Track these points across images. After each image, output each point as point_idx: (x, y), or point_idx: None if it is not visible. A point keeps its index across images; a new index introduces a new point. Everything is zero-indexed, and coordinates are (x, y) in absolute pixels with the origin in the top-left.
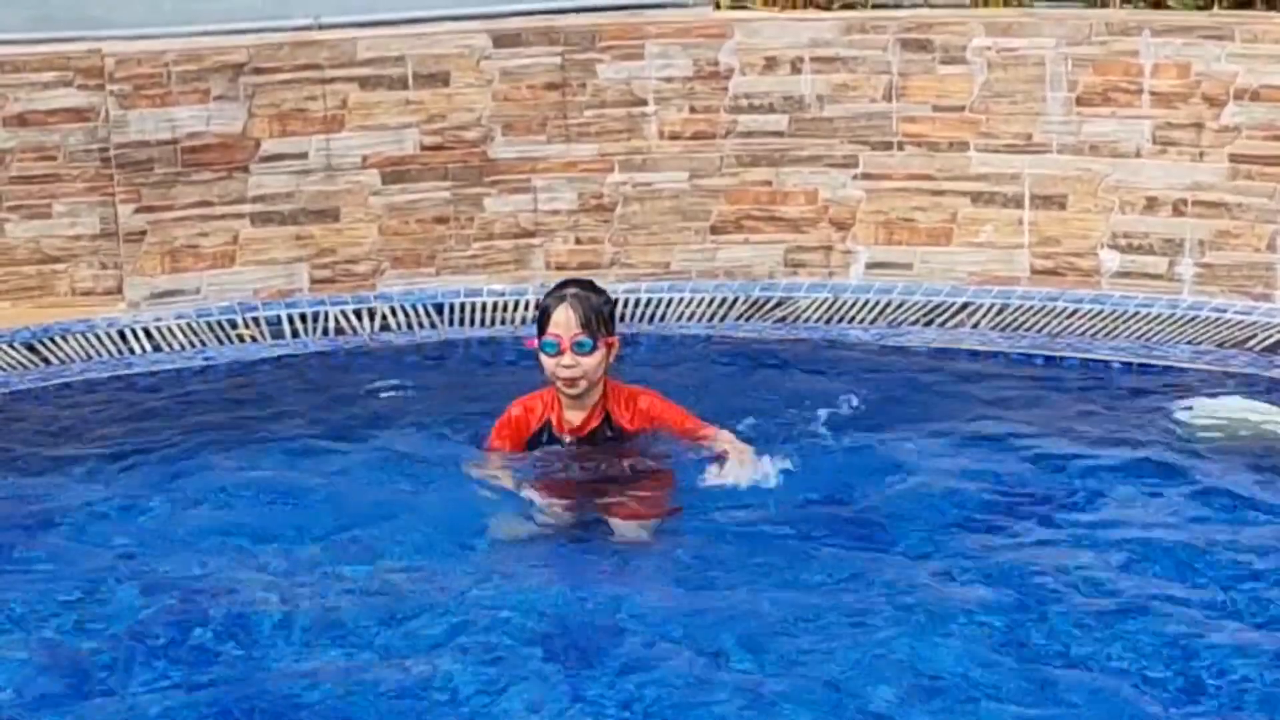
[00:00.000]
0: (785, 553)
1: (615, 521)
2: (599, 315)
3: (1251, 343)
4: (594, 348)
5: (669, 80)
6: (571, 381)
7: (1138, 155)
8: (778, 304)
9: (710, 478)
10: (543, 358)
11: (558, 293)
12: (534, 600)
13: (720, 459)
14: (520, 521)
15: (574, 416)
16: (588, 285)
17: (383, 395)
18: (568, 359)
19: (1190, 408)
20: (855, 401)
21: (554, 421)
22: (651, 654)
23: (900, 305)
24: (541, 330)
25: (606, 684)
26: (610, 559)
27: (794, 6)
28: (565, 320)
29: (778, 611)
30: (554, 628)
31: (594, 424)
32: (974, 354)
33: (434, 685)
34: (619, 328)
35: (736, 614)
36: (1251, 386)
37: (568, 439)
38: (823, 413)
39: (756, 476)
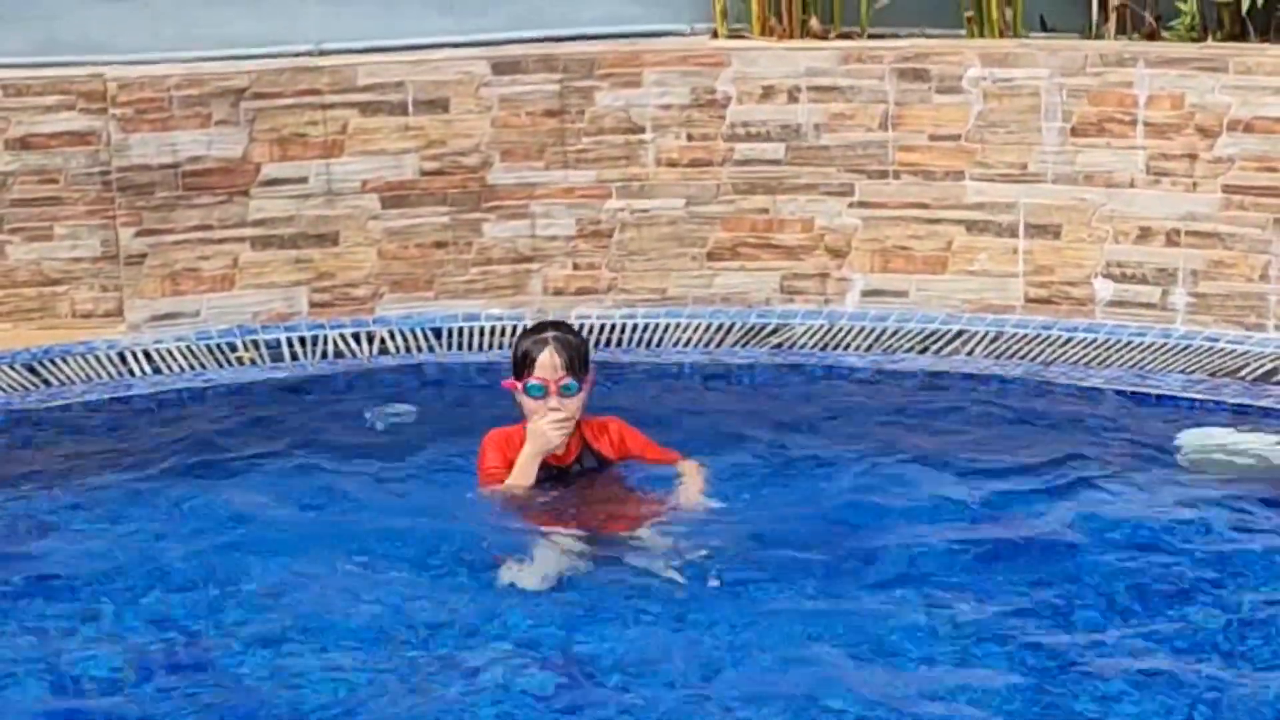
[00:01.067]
0: (776, 578)
1: (644, 534)
2: (580, 357)
3: (1244, 372)
4: (579, 389)
5: (667, 108)
6: (561, 424)
7: (1132, 185)
8: (773, 330)
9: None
10: (526, 400)
11: (537, 336)
12: (538, 628)
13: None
14: (531, 568)
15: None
16: (565, 327)
17: (382, 418)
18: (554, 402)
19: (1183, 437)
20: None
21: None
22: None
23: (895, 333)
24: (523, 373)
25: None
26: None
27: (791, 36)
28: (551, 364)
29: (767, 639)
30: (557, 655)
31: (574, 454)
32: (968, 377)
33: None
34: (618, 353)
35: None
36: (1243, 416)
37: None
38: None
39: (711, 503)
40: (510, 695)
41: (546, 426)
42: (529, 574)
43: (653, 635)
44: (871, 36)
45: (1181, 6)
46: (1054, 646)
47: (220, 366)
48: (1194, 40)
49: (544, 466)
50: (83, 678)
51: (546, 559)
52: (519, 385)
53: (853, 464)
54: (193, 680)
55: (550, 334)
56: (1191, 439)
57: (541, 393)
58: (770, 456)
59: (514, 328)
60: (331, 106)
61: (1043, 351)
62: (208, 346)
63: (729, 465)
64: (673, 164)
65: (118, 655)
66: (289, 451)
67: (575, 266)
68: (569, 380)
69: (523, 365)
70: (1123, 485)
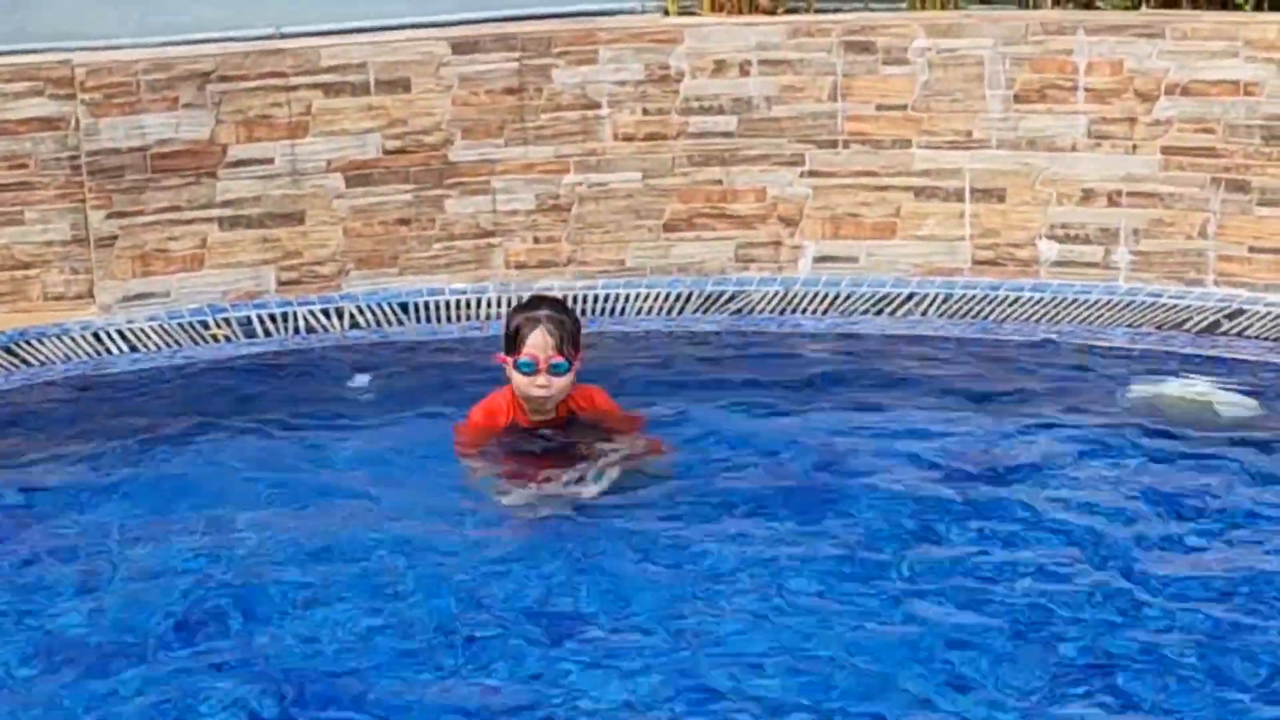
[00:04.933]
0: (754, 526)
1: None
2: (572, 336)
3: (1188, 325)
4: (569, 369)
5: (622, 84)
6: (544, 400)
7: (1073, 149)
8: (730, 298)
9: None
10: (515, 374)
11: (531, 312)
12: (518, 581)
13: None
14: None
15: (538, 417)
16: (559, 305)
17: (358, 388)
18: (542, 379)
19: (1133, 387)
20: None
21: (520, 422)
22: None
23: (849, 297)
24: (513, 348)
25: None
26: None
27: (740, 11)
28: (542, 343)
29: (729, 585)
30: (539, 606)
31: (561, 422)
32: (923, 338)
33: (419, 662)
34: (584, 322)
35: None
36: (1192, 365)
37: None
38: None
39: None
40: (505, 640)
41: (531, 400)
42: (516, 496)
43: (630, 576)
44: (818, 11)
45: None
46: (1008, 590)
47: (196, 344)
48: (1130, 8)
49: (528, 430)
50: (78, 643)
51: (525, 494)
52: (510, 361)
53: (819, 418)
54: (185, 642)
55: (544, 312)
56: (1139, 386)
57: (531, 369)
58: (741, 412)
59: (478, 301)
60: (295, 88)
61: (993, 311)
62: (180, 325)
63: (701, 420)
64: (629, 138)
65: (111, 620)
66: (272, 421)
67: (536, 240)
68: (559, 360)
69: (514, 341)
70: (1078, 434)
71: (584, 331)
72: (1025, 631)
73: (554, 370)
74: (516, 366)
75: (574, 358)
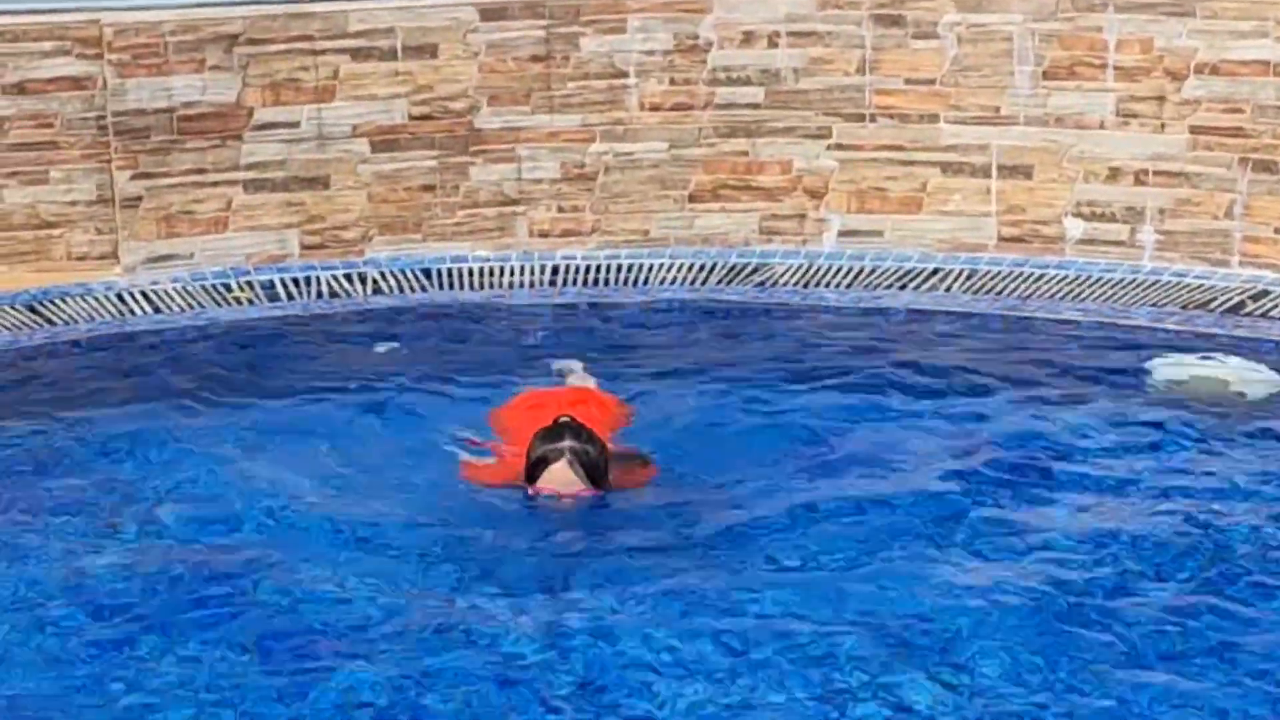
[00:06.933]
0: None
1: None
2: (597, 469)
3: (1213, 305)
4: (594, 495)
5: (650, 53)
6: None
7: (1102, 127)
8: (754, 270)
9: None
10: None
11: (554, 444)
12: (536, 548)
13: None
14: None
15: None
16: (584, 435)
17: (381, 352)
18: (568, 502)
19: (1156, 363)
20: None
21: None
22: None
23: (873, 271)
24: (535, 478)
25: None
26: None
27: None
28: (566, 480)
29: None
30: (550, 569)
31: None
32: (948, 314)
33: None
34: (607, 292)
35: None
36: (1216, 345)
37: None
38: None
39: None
40: (519, 601)
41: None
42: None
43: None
44: None
45: None
46: (1025, 568)
47: (218, 305)
48: None
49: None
50: (100, 594)
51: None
52: (533, 491)
53: (842, 393)
54: (203, 596)
55: (567, 443)
56: (1163, 365)
57: (554, 501)
58: (764, 384)
59: (500, 269)
60: (323, 52)
61: (1017, 288)
62: (203, 287)
63: (717, 391)
64: (655, 108)
65: (131, 577)
66: (293, 384)
67: (560, 209)
68: (585, 494)
69: (537, 471)
70: (1100, 411)
71: (608, 301)
72: (1043, 607)
73: (579, 500)
74: (538, 496)
75: (601, 487)
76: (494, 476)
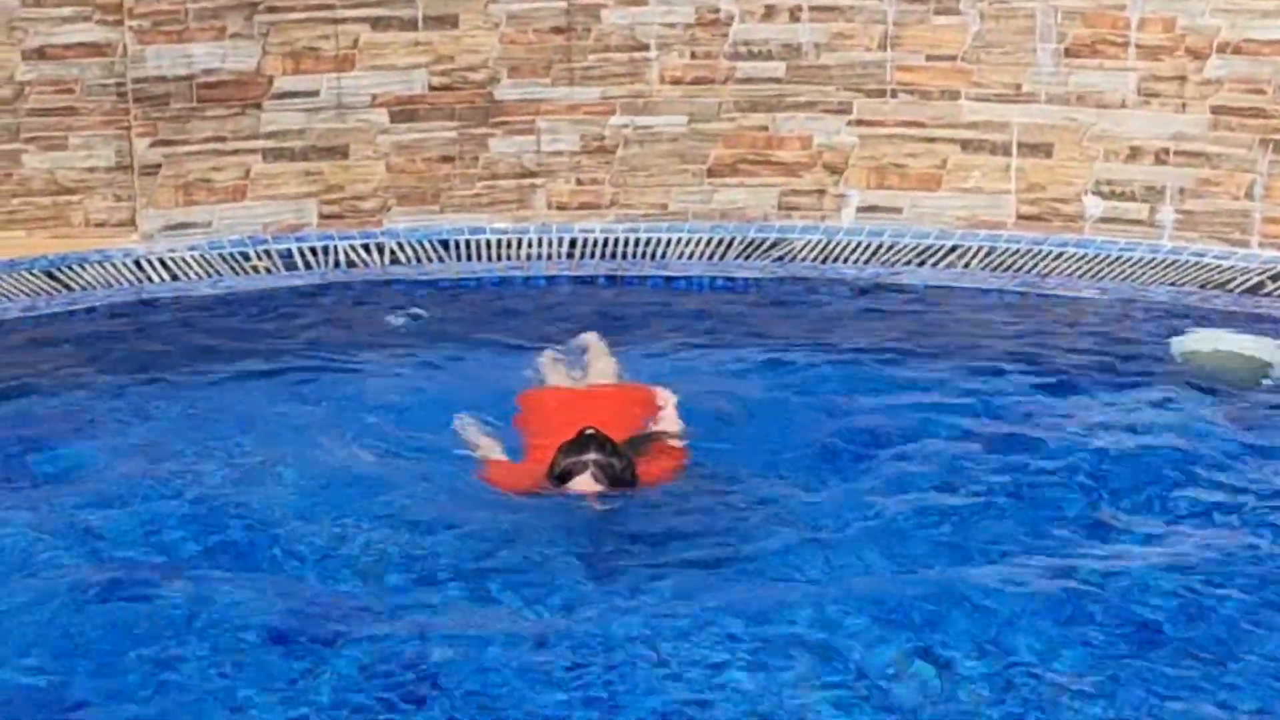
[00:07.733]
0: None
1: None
2: (621, 478)
3: (1231, 285)
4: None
5: (671, 26)
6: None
7: (1123, 106)
8: (773, 245)
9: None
10: None
11: (578, 456)
12: (552, 519)
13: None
14: None
15: None
16: (608, 447)
17: (399, 321)
18: (594, 502)
19: (1177, 338)
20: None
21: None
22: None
23: (891, 247)
24: (561, 486)
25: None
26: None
27: None
28: (590, 489)
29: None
30: (575, 545)
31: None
32: (967, 290)
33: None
34: (624, 265)
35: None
36: (1235, 325)
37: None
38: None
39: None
40: (532, 576)
41: None
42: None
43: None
44: None
45: None
46: (1043, 539)
47: (236, 274)
48: None
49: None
50: (117, 551)
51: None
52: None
53: (863, 366)
54: (209, 564)
55: (591, 456)
56: (1185, 339)
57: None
58: (777, 363)
59: (519, 241)
60: (343, 21)
61: (1036, 265)
62: (221, 255)
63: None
64: (676, 82)
65: (146, 539)
66: (310, 352)
67: (579, 182)
68: (609, 495)
69: (562, 478)
70: (1119, 388)
71: (625, 274)
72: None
73: (603, 499)
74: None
75: (630, 490)
76: (515, 483)
